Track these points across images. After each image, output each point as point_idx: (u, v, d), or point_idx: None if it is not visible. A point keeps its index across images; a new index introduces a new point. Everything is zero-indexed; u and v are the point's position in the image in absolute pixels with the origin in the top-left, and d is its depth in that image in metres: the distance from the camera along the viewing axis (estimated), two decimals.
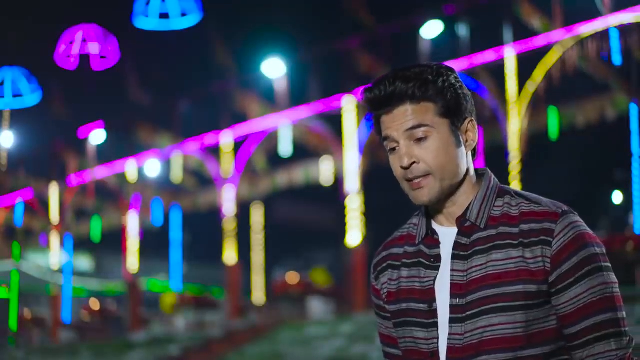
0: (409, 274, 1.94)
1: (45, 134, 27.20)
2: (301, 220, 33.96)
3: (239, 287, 22.10)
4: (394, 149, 1.88)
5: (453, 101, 1.86)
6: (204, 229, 29.56)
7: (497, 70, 17.89)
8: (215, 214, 22.72)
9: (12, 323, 26.32)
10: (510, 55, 17.65)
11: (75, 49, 23.80)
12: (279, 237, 29.39)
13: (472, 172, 1.92)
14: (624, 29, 16.46)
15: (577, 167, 25.62)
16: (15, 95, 25.09)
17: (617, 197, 23.62)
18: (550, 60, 17.24)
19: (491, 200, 1.89)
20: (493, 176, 1.94)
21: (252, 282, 27.44)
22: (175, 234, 26.77)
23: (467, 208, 1.88)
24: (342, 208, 19.33)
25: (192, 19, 22.64)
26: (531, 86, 17.45)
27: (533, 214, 1.85)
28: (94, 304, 26.25)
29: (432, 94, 1.84)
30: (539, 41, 17.40)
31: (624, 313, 1.84)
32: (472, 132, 1.90)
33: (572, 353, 1.85)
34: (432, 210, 1.94)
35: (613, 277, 1.84)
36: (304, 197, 28.57)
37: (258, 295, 27.47)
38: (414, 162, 1.84)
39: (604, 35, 16.73)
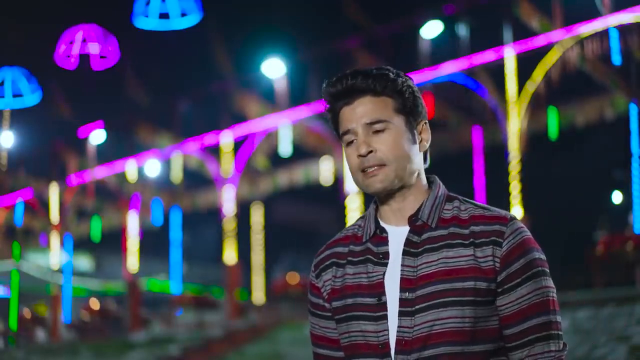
0: (355, 271, 1.98)
1: (45, 134, 27.21)
2: (301, 220, 33.97)
3: (238, 287, 22.12)
4: (351, 142, 1.95)
5: (410, 100, 1.97)
6: (204, 229, 29.58)
7: (497, 70, 17.89)
8: (215, 214, 22.73)
9: (12, 323, 26.33)
10: (510, 55, 17.65)
11: (75, 49, 23.82)
12: (279, 237, 29.40)
13: (423, 175, 2.00)
14: (623, 29, 16.47)
15: (578, 167, 25.63)
16: (15, 95, 25.11)
17: (617, 197, 23.64)
18: (550, 60, 17.24)
19: (441, 204, 1.98)
20: (441, 183, 2.03)
21: (252, 282, 27.44)
22: (175, 234, 26.77)
23: (419, 208, 1.96)
24: (342, 208, 19.35)
25: (192, 19, 22.66)
26: (531, 86, 17.45)
27: (483, 217, 1.93)
28: (94, 304, 26.25)
29: (391, 90, 1.94)
30: (539, 41, 17.40)
31: (560, 317, 1.94)
32: (426, 134, 2.00)
33: (510, 354, 1.92)
34: (381, 209, 2.00)
35: (552, 283, 1.94)
36: (304, 197, 28.60)
37: (258, 295, 27.47)
38: (371, 151, 1.92)
39: (603, 35, 16.73)
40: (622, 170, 20.19)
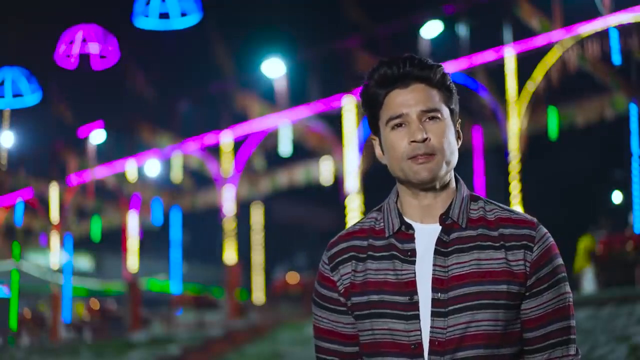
0: (379, 267, 1.95)
1: (45, 134, 27.21)
2: (301, 220, 33.97)
3: (238, 287, 22.11)
4: (399, 125, 1.93)
5: (455, 97, 2.00)
6: (204, 229, 29.58)
7: (497, 70, 17.89)
8: (215, 214, 22.73)
9: (12, 323, 26.31)
10: (510, 55, 17.65)
11: (75, 49, 23.80)
12: (279, 237, 29.40)
13: (453, 173, 2.00)
14: (624, 29, 16.47)
15: (577, 167, 25.63)
16: (15, 95, 25.10)
17: (617, 197, 23.64)
18: (550, 60, 17.24)
19: (468, 203, 1.98)
20: (463, 182, 2.03)
21: (252, 282, 27.45)
22: (175, 234, 26.77)
23: (449, 206, 1.95)
24: (342, 208, 19.34)
25: (192, 19, 22.65)
26: (531, 86, 17.45)
27: (510, 220, 1.95)
28: (94, 304, 26.24)
29: (441, 84, 1.96)
30: (539, 41, 17.40)
31: (575, 322, 1.99)
32: (460, 134, 2.02)
33: (530, 356, 1.95)
34: (405, 204, 1.99)
35: (569, 288, 1.99)
36: (304, 197, 28.59)
37: (258, 295, 27.48)
38: (426, 139, 1.91)
39: (604, 35, 16.73)
40: (622, 170, 20.20)
